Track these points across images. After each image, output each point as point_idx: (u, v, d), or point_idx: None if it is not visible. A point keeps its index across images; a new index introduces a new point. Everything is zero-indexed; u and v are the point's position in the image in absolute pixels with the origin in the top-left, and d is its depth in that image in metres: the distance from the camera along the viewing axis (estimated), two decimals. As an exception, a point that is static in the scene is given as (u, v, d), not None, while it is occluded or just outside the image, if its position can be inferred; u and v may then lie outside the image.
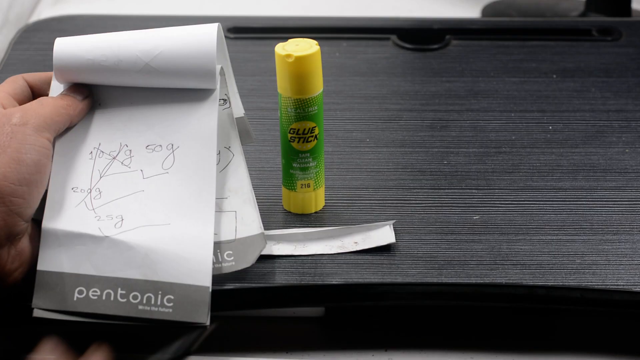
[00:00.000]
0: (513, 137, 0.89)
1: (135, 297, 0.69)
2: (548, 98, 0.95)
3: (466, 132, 0.90)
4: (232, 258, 0.72)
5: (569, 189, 0.83)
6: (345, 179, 0.84)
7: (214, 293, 0.70)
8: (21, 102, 0.74)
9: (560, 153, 0.87)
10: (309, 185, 0.80)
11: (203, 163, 0.73)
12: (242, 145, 0.76)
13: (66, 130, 0.74)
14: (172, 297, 0.69)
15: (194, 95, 0.74)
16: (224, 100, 0.76)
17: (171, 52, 0.73)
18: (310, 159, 0.78)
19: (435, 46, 1.04)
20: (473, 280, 0.74)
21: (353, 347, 0.75)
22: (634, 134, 0.90)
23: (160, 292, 0.69)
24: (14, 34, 1.08)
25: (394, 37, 1.05)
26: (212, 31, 0.73)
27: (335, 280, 0.74)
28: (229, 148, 0.76)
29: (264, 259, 0.75)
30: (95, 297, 0.69)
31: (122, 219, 0.71)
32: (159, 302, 0.69)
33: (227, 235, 0.73)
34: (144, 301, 0.69)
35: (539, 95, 0.95)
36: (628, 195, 0.82)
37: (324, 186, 0.81)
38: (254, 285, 0.73)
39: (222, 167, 0.75)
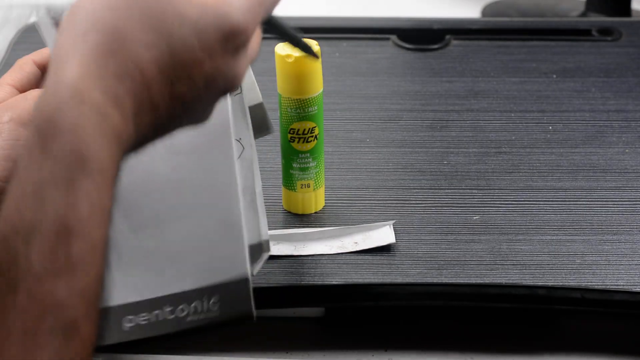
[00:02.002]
0: (513, 137, 0.89)
1: (182, 310, 0.67)
2: (548, 98, 0.95)
3: (466, 132, 0.90)
4: None
5: (569, 189, 0.83)
6: (345, 179, 0.84)
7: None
8: (27, 90, 0.70)
9: (560, 153, 0.87)
10: (308, 186, 0.80)
11: (220, 151, 0.68)
12: (259, 137, 0.73)
13: None
14: (217, 298, 0.67)
15: None
16: None
17: None
18: (310, 159, 0.78)
19: (435, 46, 1.03)
20: (473, 280, 0.74)
21: (353, 347, 0.75)
22: (634, 134, 0.89)
23: (205, 297, 0.67)
24: (14, 34, 1.08)
25: (394, 37, 1.05)
26: None
27: (335, 280, 0.74)
28: (239, 140, 0.71)
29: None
30: (145, 322, 0.67)
31: (145, 224, 0.68)
32: (205, 308, 0.67)
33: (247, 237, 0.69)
34: (192, 311, 0.67)
35: (539, 95, 0.95)
36: (628, 195, 0.82)
37: (324, 186, 0.81)
38: (254, 285, 0.73)
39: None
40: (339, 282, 0.74)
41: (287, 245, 0.77)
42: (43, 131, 0.48)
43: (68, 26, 0.51)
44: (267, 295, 0.73)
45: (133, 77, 0.51)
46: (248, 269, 0.67)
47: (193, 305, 0.67)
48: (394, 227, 0.78)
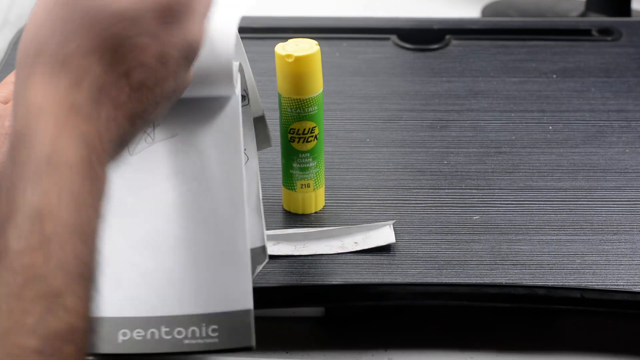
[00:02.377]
0: (513, 137, 0.89)
1: (179, 333, 0.66)
2: (548, 98, 0.95)
3: (466, 132, 0.90)
4: None
5: (569, 189, 0.83)
6: (345, 179, 0.84)
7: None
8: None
9: (560, 153, 0.87)
10: (308, 186, 0.80)
11: (229, 171, 0.67)
12: (259, 149, 0.72)
13: None
14: (216, 326, 0.66)
15: (215, 100, 0.68)
16: (243, 96, 0.70)
17: None
18: (310, 159, 0.78)
19: (435, 46, 1.03)
20: (473, 280, 0.74)
21: (353, 347, 0.75)
22: (634, 134, 0.89)
23: (204, 324, 0.66)
24: (14, 34, 1.08)
25: (394, 37, 1.05)
26: (229, 32, 0.65)
27: (335, 280, 0.74)
28: (244, 151, 0.70)
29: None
30: (140, 338, 0.66)
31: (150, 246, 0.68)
32: (204, 334, 0.66)
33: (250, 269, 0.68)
34: (189, 335, 0.66)
35: (539, 95, 0.95)
36: (628, 195, 0.82)
37: (324, 186, 0.81)
38: (254, 285, 0.73)
39: None
40: (339, 282, 0.74)
41: (287, 245, 0.77)
42: (12, 143, 0.53)
43: (19, 55, 0.55)
44: (267, 295, 0.73)
45: (87, 84, 0.54)
46: (251, 301, 0.66)
47: (191, 329, 0.67)
48: (394, 227, 0.78)
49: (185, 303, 0.67)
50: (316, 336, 0.76)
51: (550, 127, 0.91)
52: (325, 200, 0.81)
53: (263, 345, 0.74)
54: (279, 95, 0.77)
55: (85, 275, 0.52)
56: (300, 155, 0.78)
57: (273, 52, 0.75)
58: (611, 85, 0.96)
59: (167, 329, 0.67)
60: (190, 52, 0.58)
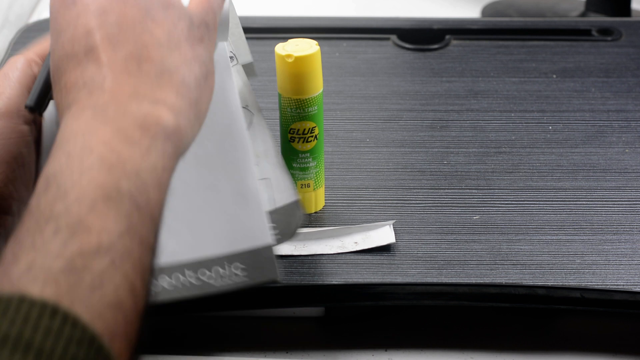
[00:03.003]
0: (513, 137, 0.89)
1: (203, 274, 0.67)
2: (548, 98, 0.95)
3: (466, 132, 0.90)
4: (277, 231, 0.70)
5: (569, 189, 0.83)
6: (345, 179, 0.84)
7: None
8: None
9: (560, 153, 0.87)
10: (309, 185, 0.80)
11: (229, 114, 0.68)
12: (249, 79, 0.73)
13: None
14: (241, 265, 0.67)
15: None
16: (231, 57, 0.71)
17: None
18: (310, 159, 0.79)
19: (435, 46, 1.03)
20: (473, 280, 0.74)
21: (353, 347, 0.75)
22: (634, 134, 0.89)
23: (226, 264, 0.67)
24: (14, 34, 1.08)
25: (394, 37, 1.05)
26: None
27: (335, 280, 0.74)
28: (246, 107, 0.72)
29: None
30: (171, 288, 0.67)
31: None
32: (230, 274, 0.67)
33: (265, 206, 0.69)
34: (214, 276, 0.67)
35: (539, 95, 0.95)
36: (628, 195, 0.82)
37: (324, 186, 0.81)
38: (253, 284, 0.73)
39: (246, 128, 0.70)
40: (339, 282, 0.74)
41: (287, 245, 0.77)
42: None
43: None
44: (267, 295, 0.73)
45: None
46: (269, 236, 0.67)
47: (214, 269, 0.67)
48: (394, 227, 0.78)
49: (205, 246, 0.67)
50: (316, 336, 0.76)
51: (550, 127, 0.91)
52: (325, 200, 0.81)
53: (263, 345, 0.75)
54: (279, 95, 0.77)
55: (103, 206, 0.51)
56: (300, 155, 0.78)
57: (273, 52, 0.75)
58: (611, 85, 0.96)
59: (191, 272, 0.67)
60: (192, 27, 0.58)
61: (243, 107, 0.70)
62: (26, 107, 0.61)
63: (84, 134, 0.53)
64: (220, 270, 0.67)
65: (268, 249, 0.67)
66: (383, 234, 0.77)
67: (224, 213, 0.67)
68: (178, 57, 0.57)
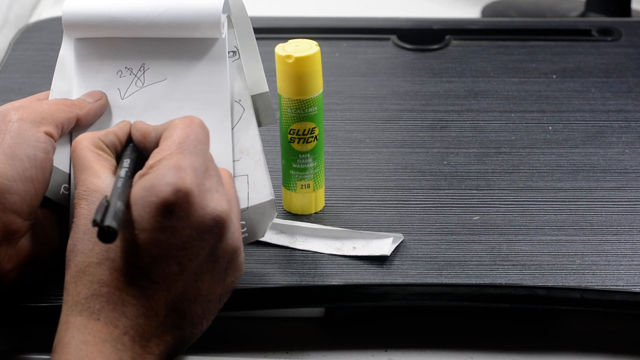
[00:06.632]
0: (513, 138, 0.89)
1: None
2: (548, 98, 0.95)
3: (466, 132, 0.90)
4: (244, 229, 0.71)
5: (569, 189, 0.83)
6: (345, 179, 0.84)
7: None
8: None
9: (560, 153, 0.87)
10: (308, 186, 0.80)
11: (217, 110, 0.72)
12: (263, 125, 0.75)
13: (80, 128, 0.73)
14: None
15: (202, 45, 0.73)
16: (234, 52, 0.73)
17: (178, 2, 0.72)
18: (310, 160, 0.79)
19: (435, 46, 1.04)
20: (473, 280, 0.74)
21: (353, 347, 0.75)
22: (634, 134, 0.90)
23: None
24: (14, 34, 1.08)
25: (394, 38, 1.05)
26: None
27: (335, 281, 0.74)
28: (239, 102, 0.73)
29: (264, 258, 0.75)
30: None
31: None
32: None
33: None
34: None
35: (539, 95, 0.95)
36: (628, 196, 0.82)
37: (324, 187, 0.81)
38: (254, 285, 0.73)
39: (234, 123, 0.73)
40: (339, 282, 0.74)
41: (287, 237, 0.77)
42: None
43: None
44: (267, 295, 0.73)
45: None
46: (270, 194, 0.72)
47: None
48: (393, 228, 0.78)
49: None
50: (316, 336, 0.76)
51: (550, 128, 0.91)
52: (325, 200, 0.81)
53: (263, 345, 0.75)
54: (279, 96, 0.77)
55: None
56: (300, 156, 0.78)
57: (273, 52, 0.75)
58: (611, 86, 0.96)
59: None
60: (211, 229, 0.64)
61: (236, 102, 0.72)
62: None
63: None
64: None
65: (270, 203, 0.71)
66: (383, 245, 0.76)
67: None
68: None
